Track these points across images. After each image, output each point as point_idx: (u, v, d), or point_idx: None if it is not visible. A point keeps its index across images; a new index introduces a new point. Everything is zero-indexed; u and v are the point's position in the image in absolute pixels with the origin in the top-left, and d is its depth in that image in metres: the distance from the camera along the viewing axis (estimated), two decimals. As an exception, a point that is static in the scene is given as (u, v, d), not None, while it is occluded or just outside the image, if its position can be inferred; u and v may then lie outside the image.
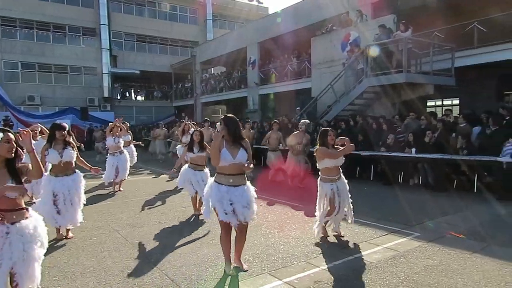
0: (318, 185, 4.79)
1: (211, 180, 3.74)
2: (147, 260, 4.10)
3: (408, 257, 4.06)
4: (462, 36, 11.60)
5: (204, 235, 5.06)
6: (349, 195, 4.87)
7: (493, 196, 6.74)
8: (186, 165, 6.22)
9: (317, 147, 4.73)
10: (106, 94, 27.16)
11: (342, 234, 4.89)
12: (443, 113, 12.06)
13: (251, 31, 20.15)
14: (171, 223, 5.72)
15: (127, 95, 30.83)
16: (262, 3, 34.84)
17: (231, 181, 3.51)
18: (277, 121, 10.01)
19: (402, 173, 8.77)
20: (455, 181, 7.80)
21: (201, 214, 5.75)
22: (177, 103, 28.20)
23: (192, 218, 6.00)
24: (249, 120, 11.25)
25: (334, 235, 4.89)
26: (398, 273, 3.64)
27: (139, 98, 31.17)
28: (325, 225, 4.83)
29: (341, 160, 4.70)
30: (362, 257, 4.12)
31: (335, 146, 4.73)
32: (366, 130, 9.87)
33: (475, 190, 7.25)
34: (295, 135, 8.59)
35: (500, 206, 6.18)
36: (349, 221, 4.88)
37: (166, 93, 30.81)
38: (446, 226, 5.22)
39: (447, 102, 15.81)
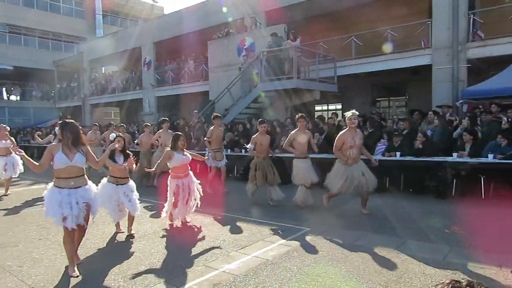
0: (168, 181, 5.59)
1: (50, 184, 3.91)
2: (24, 285, 3.59)
3: (300, 251, 4.36)
4: (343, 48, 13.03)
5: (95, 248, 4.65)
6: (199, 189, 5.72)
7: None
8: (105, 179, 5.14)
9: (167, 149, 5.54)
10: (-32, 93, 23.10)
11: (188, 220, 5.73)
12: (329, 116, 13.32)
13: (147, 31, 19.36)
14: (54, 239, 5.11)
15: (-2, 94, 26.60)
16: (157, 2, 33.79)
17: (72, 183, 3.79)
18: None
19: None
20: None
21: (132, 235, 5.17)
22: (61, 104, 25.49)
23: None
24: (148, 124, 10.70)
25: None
26: (291, 267, 3.88)
27: (13, 98, 27.11)
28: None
29: (188, 159, 5.55)
30: (259, 255, 4.27)
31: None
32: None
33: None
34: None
35: (378, 198, 7.04)
36: (193, 210, 5.71)
37: (47, 93, 27.48)
38: (332, 220, 5.74)
39: (331, 107, 17.51)
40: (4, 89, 26.55)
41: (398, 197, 7.19)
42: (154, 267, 3.99)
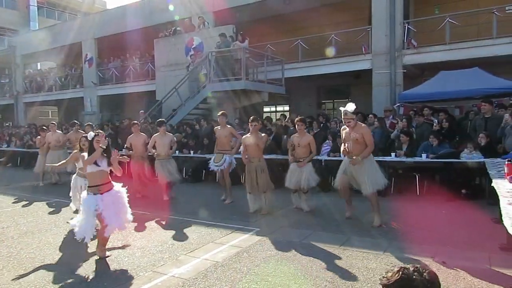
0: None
1: None
2: None
3: (250, 251, 4.39)
4: (290, 50, 13.35)
5: (30, 259, 4.31)
6: None
7: (319, 189, 7.85)
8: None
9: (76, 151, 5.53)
10: None
11: None
12: (277, 117, 13.58)
13: (87, 25, 18.32)
14: None
15: None
16: (99, -5, 32.21)
17: None
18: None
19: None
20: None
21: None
22: (-10, 103, 23.31)
23: (13, 240, 5.03)
24: (77, 122, 10.18)
25: None
26: (241, 268, 3.89)
27: None
28: None
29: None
30: (209, 258, 4.23)
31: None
32: (210, 134, 10.21)
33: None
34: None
35: (325, 197, 7.29)
36: None
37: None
38: (281, 220, 5.86)
39: (279, 108, 17.86)
40: None
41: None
42: (97, 275, 3.79)
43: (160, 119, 8.23)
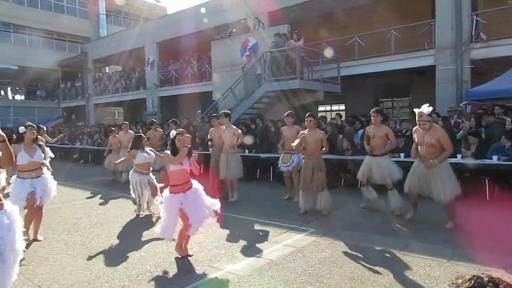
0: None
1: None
2: (29, 283, 3.62)
3: (305, 252, 4.37)
4: (346, 48, 13.02)
5: (100, 248, 4.68)
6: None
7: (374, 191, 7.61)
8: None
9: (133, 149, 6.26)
10: (-27, 92, 23.22)
11: (150, 211, 6.37)
12: (332, 117, 13.33)
13: (150, 30, 19.41)
14: (59, 238, 5.16)
15: (3, 93, 26.69)
16: (160, 1, 33.88)
17: (33, 174, 4.80)
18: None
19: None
20: (342, 179, 8.67)
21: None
22: (66, 104, 25.63)
23: (85, 230, 5.50)
24: (155, 120, 10.64)
25: None
26: (296, 268, 3.89)
27: (18, 97, 27.26)
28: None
29: (150, 158, 6.29)
30: (263, 256, 4.28)
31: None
32: (264, 133, 10.32)
33: (359, 187, 8.12)
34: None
35: (379, 200, 7.02)
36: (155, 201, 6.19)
37: (52, 92, 27.59)
38: (336, 221, 5.75)
39: (335, 107, 17.50)
40: (9, 88, 26.70)
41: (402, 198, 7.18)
42: (159, 267, 4.01)
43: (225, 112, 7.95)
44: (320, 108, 17.16)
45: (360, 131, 9.21)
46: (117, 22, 31.23)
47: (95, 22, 29.09)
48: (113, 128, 11.59)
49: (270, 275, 3.72)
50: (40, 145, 5.00)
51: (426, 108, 4.97)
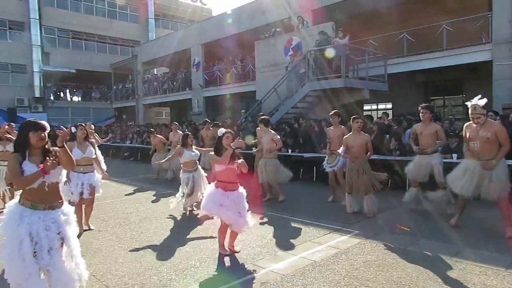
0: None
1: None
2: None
3: (349, 254, 4.27)
4: (394, 45, 12.54)
5: (148, 242, 4.89)
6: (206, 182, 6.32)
7: (422, 192, 7.28)
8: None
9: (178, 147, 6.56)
10: (37, 94, 25.18)
11: (195, 208, 6.48)
12: (378, 116, 12.91)
13: (195, 32, 19.93)
14: (112, 231, 5.46)
15: (62, 95, 28.75)
16: (205, 4, 34.66)
17: (82, 169, 5.19)
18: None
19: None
20: (389, 180, 8.36)
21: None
22: (117, 105, 27.02)
23: (135, 224, 5.77)
24: (209, 121, 10.93)
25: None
26: (340, 270, 3.82)
27: (75, 98, 29.25)
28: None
29: (196, 156, 6.47)
30: (306, 256, 4.25)
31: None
32: (308, 133, 10.22)
33: (407, 188, 7.79)
34: None
35: (426, 202, 6.70)
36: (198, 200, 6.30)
37: (105, 94, 29.28)
38: (382, 223, 5.57)
39: (381, 106, 16.94)
40: (67, 90, 28.73)
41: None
42: (204, 262, 4.12)
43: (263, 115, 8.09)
44: (366, 107, 16.69)
45: (408, 131, 8.84)
46: (165, 25, 32.39)
47: (145, 26, 30.40)
48: (152, 130, 12.04)
49: (313, 276, 3.69)
50: (91, 143, 5.40)
51: (480, 100, 4.66)
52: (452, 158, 7.14)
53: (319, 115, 12.09)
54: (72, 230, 2.95)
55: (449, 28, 11.43)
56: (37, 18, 24.98)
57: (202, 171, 6.67)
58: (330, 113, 7.12)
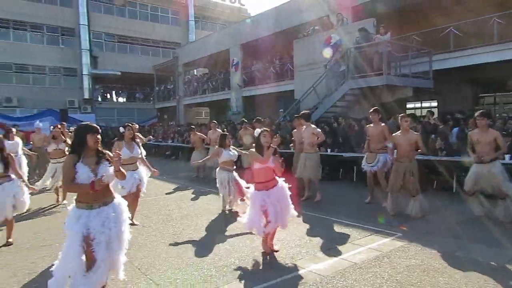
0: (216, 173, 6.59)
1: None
2: (130, 265, 4.05)
3: (391, 257, 4.15)
4: (439, 39, 11.96)
5: (189, 239, 5.03)
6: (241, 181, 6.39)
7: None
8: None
9: (217, 146, 6.70)
10: (86, 96, 26.62)
11: (234, 207, 6.58)
12: (422, 114, 12.40)
13: (234, 33, 20.16)
14: (155, 227, 5.67)
15: (108, 96, 30.25)
16: (244, 5, 34.93)
17: (129, 167, 5.38)
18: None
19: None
20: (435, 181, 8.01)
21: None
22: (160, 105, 27.93)
23: (177, 221, 5.95)
24: (246, 121, 11.05)
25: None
26: (382, 273, 3.72)
27: (120, 99, 30.65)
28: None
29: (234, 156, 6.53)
30: (347, 258, 4.18)
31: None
32: (347, 132, 10.02)
33: (454, 190, 7.44)
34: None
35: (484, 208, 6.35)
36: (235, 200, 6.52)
37: (148, 94, 30.41)
38: (426, 226, 5.35)
39: (425, 104, 16.24)
40: (113, 92, 30.19)
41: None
42: (243, 260, 4.17)
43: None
44: (409, 105, 16.08)
45: (455, 130, 8.42)
46: (204, 26, 33.02)
47: (185, 28, 31.19)
48: (192, 127, 12.31)
49: (354, 278, 3.62)
50: (137, 143, 5.65)
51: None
52: (504, 159, 6.71)
53: (359, 114, 11.81)
54: (125, 223, 3.13)
55: (501, 21, 10.72)
56: (86, 24, 26.40)
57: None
58: (370, 110, 6.93)
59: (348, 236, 4.98)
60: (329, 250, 4.46)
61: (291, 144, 8.01)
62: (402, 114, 5.97)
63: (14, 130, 8.60)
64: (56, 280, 2.91)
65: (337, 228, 5.36)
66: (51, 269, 3.00)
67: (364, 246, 4.53)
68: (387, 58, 10.95)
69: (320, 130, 7.26)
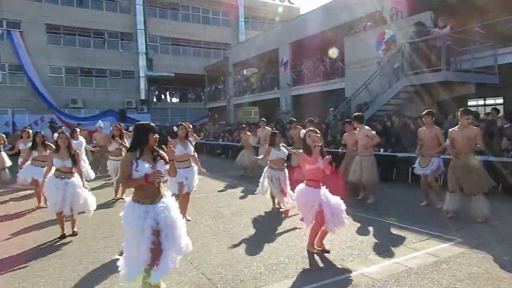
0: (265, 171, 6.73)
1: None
2: (184, 259, 4.20)
3: (451, 263, 3.91)
4: (505, 31, 11.02)
5: (239, 236, 5.11)
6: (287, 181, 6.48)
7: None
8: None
9: (267, 145, 6.83)
10: (142, 97, 28.09)
11: (282, 206, 6.57)
12: (486, 112, 11.51)
13: (283, 32, 20.12)
14: (206, 223, 5.83)
15: (163, 97, 31.70)
16: (293, 3, 34.72)
17: (182, 164, 5.46)
18: None
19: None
20: (500, 184, 7.41)
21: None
22: (211, 105, 28.65)
23: (227, 218, 6.08)
24: (295, 119, 11.06)
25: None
26: (440, 280, 3.51)
27: (174, 100, 31.98)
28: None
29: (283, 154, 6.56)
30: (401, 262, 4.00)
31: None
32: (402, 131, 9.59)
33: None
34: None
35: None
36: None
37: (199, 95, 31.39)
38: (489, 232, 4.97)
39: (490, 101, 15.05)
40: (167, 93, 31.56)
41: None
42: (292, 259, 4.16)
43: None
44: (470, 103, 14.98)
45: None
46: (254, 27, 33.33)
47: (235, 29, 31.74)
48: (244, 126, 12.43)
49: (409, 283, 3.46)
50: (190, 141, 5.88)
51: None
52: None
53: (414, 112, 11.25)
54: (178, 217, 3.26)
55: None
56: (143, 28, 27.86)
57: (286, 170, 6.72)
58: (423, 113, 6.56)
59: (402, 239, 4.77)
60: (382, 253, 4.31)
61: (341, 149, 7.80)
62: (463, 109, 5.59)
63: (78, 130, 9.34)
64: (129, 273, 3.09)
65: (390, 231, 5.15)
66: (117, 263, 3.20)
67: (420, 251, 4.31)
68: (446, 53, 10.31)
69: (374, 133, 7.00)
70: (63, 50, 26.08)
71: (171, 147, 3.37)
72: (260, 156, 7.26)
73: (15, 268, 4.07)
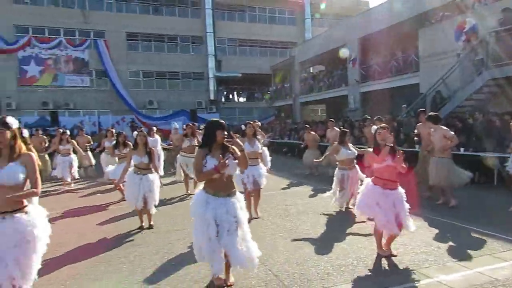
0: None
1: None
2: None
3: (546, 277, 3.47)
4: None
5: (306, 235, 5.07)
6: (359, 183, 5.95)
7: None
8: None
9: (335, 143, 6.73)
10: (212, 97, 29.23)
11: (351, 206, 6.29)
12: None
13: (350, 28, 19.46)
14: (273, 221, 5.88)
15: (231, 97, 32.67)
16: (362, -3, 33.45)
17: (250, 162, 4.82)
18: None
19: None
20: None
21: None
22: (277, 104, 28.81)
23: (294, 217, 6.07)
24: (369, 117, 10.72)
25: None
26: (533, 294, 3.14)
27: (241, 99, 32.78)
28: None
29: (353, 154, 6.38)
30: (485, 272, 3.65)
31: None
32: (486, 129, 8.74)
33: None
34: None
35: None
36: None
37: (266, 93, 31.76)
38: None
39: None
40: (235, 92, 32.47)
41: None
42: (361, 262, 4.02)
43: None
44: None
45: None
46: (321, 24, 32.76)
47: (301, 27, 31.52)
48: (307, 126, 12.26)
49: (495, 295, 3.15)
50: (258, 139, 6.01)
51: None
52: None
53: (502, 107, 10.18)
54: (244, 215, 3.35)
55: None
56: (212, 31, 28.99)
57: (358, 169, 6.50)
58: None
59: (487, 247, 4.35)
60: (463, 261, 3.96)
61: (416, 139, 7.33)
62: None
63: (154, 128, 10.07)
64: (216, 266, 3.26)
65: (472, 237, 4.73)
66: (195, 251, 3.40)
67: (508, 261, 3.89)
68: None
69: (453, 133, 6.44)
70: (140, 55, 28.12)
71: (235, 136, 3.48)
72: (326, 154, 7.15)
73: (100, 253, 4.51)
